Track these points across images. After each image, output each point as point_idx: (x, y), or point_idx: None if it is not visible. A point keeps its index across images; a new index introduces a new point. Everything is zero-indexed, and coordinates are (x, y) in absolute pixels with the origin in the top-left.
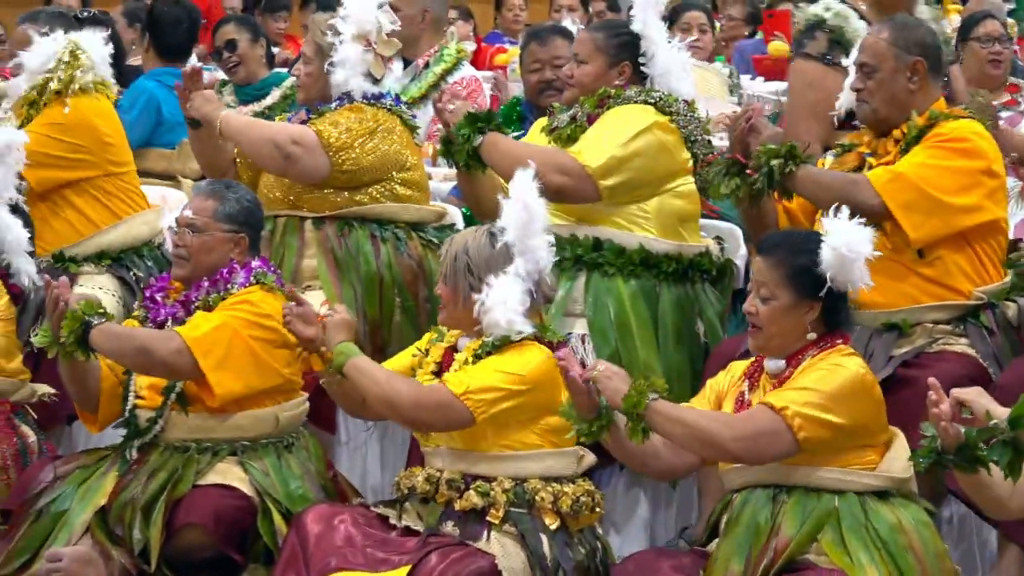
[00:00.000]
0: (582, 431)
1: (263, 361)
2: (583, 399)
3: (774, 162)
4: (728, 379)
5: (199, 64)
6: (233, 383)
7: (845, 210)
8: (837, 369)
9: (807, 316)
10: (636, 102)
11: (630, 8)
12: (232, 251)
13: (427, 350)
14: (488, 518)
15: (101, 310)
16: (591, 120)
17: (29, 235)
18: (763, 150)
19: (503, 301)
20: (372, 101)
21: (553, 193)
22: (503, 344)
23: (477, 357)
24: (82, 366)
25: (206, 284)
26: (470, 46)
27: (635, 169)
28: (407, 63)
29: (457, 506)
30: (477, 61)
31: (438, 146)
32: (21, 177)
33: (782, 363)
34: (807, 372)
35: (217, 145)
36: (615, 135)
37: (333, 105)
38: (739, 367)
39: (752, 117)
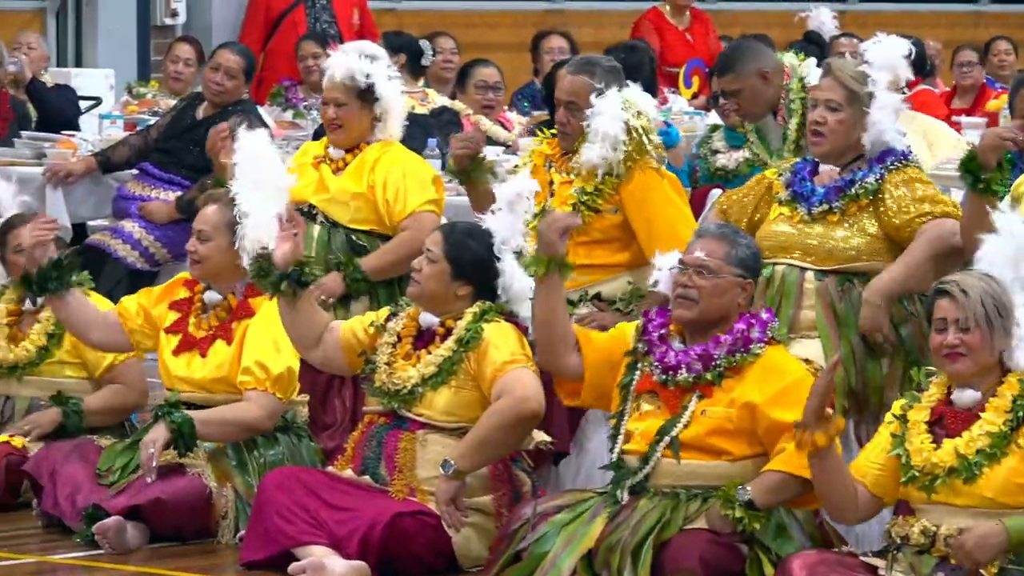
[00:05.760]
0: None
1: None
2: None
3: None
4: None
5: None
6: None
7: None
8: None
9: None
10: None
11: None
12: (739, 296)
13: (902, 414)
14: (982, 571)
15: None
16: None
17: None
18: None
19: None
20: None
21: None
22: None
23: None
24: None
25: (727, 340)
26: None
27: None
28: None
29: (953, 561)
30: (976, 104)
31: None
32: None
33: None
34: None
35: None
36: None
37: (877, 170)
38: None
39: None
